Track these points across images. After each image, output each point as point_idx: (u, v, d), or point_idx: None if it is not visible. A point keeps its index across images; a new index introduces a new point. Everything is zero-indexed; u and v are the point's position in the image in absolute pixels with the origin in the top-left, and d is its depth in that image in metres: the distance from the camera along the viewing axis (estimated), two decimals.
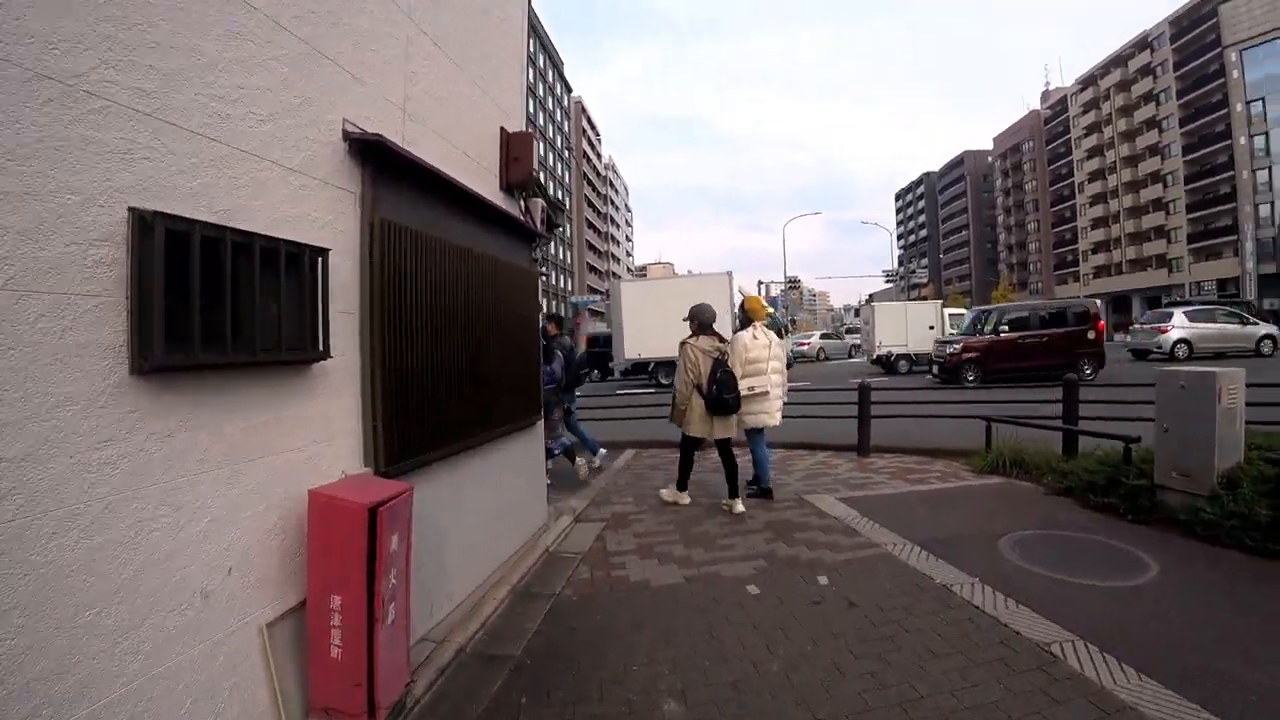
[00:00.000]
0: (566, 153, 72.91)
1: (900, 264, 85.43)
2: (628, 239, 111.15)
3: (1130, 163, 58.98)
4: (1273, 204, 46.32)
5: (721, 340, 5.36)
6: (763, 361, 5.57)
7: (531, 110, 59.87)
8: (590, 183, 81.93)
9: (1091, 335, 15.15)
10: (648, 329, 18.89)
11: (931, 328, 20.05)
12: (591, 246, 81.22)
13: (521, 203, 4.77)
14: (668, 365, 19.46)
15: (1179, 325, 17.95)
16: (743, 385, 5.33)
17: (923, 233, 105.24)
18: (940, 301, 22.16)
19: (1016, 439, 6.55)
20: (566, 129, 73.67)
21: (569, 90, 75.72)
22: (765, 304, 6.28)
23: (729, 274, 19.36)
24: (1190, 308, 19.65)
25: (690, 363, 5.16)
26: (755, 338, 5.61)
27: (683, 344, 5.25)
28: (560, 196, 67.46)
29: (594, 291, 69.67)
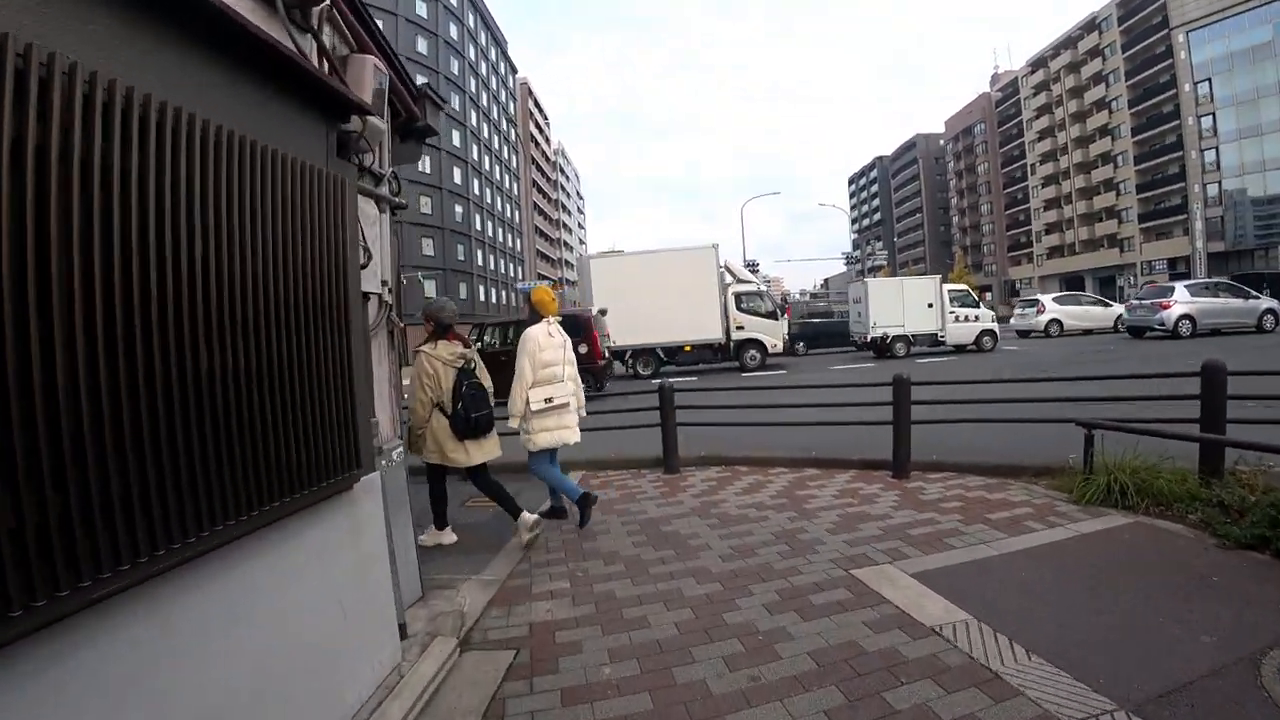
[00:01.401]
0: (513, 133, 69.52)
1: (855, 247, 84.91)
2: (580, 226, 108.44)
3: (1081, 144, 59.01)
4: (1220, 183, 46.56)
5: (467, 346, 4.44)
6: (559, 365, 4.54)
7: (474, 90, 56.49)
8: (539, 167, 78.80)
9: (584, 349, 12.81)
10: (623, 311, 16.36)
11: (931, 305, 17.93)
12: (542, 233, 78.13)
13: (312, 40, 2.37)
14: (648, 354, 17.31)
15: (1182, 300, 16.47)
16: (536, 396, 4.39)
17: (877, 216, 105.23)
18: (939, 277, 20.03)
19: (1130, 452, 4.49)
20: (512, 110, 70.30)
21: (514, 70, 72.31)
22: (555, 296, 5.04)
23: (715, 247, 17.04)
24: (1191, 281, 18.28)
25: (427, 375, 4.21)
26: (550, 335, 4.56)
27: (416, 351, 4.32)
28: (509, 184, 64.50)
29: (543, 278, 66.69)
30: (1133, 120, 52.94)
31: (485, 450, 4.35)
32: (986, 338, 18.33)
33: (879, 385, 5.75)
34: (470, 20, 57.37)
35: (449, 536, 4.52)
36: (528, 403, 4.37)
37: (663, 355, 17.22)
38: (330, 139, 2.34)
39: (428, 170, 47.49)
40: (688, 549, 3.98)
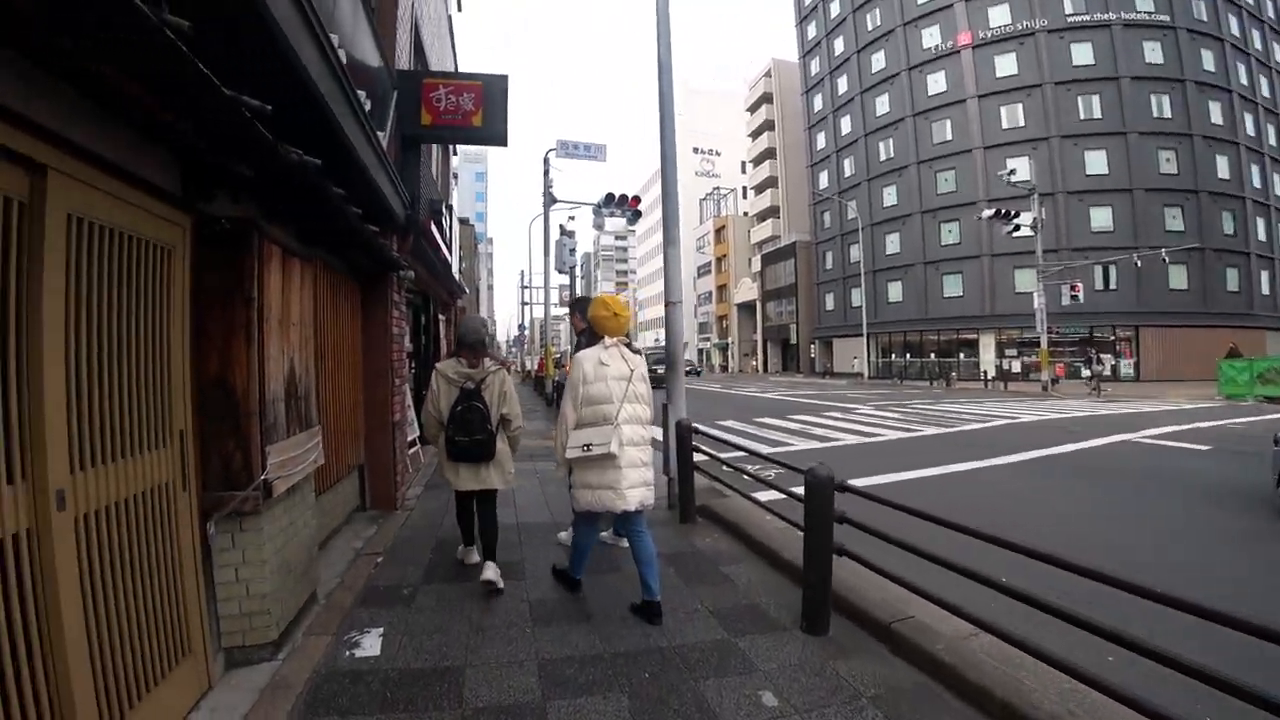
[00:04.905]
0: None
1: None
2: None
3: None
4: None
5: (474, 366, 3.87)
6: (610, 403, 3.41)
7: None
8: None
9: None
10: None
11: None
12: None
13: None
14: None
15: None
16: (575, 441, 3.41)
17: None
18: None
19: None
20: None
21: None
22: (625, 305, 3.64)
23: None
24: None
25: (432, 393, 3.86)
26: (603, 363, 3.47)
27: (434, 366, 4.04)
28: None
29: None
30: None
31: (478, 479, 3.86)
32: None
33: None
34: None
35: (472, 555, 4.32)
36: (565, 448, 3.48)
37: None
38: None
39: (1168, 114, 33.33)
40: None
